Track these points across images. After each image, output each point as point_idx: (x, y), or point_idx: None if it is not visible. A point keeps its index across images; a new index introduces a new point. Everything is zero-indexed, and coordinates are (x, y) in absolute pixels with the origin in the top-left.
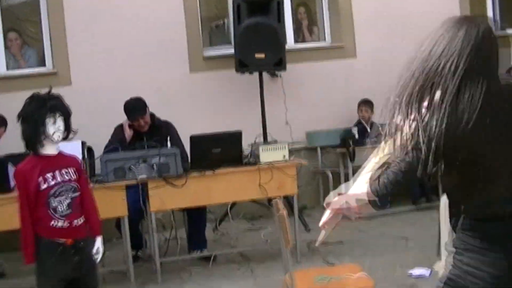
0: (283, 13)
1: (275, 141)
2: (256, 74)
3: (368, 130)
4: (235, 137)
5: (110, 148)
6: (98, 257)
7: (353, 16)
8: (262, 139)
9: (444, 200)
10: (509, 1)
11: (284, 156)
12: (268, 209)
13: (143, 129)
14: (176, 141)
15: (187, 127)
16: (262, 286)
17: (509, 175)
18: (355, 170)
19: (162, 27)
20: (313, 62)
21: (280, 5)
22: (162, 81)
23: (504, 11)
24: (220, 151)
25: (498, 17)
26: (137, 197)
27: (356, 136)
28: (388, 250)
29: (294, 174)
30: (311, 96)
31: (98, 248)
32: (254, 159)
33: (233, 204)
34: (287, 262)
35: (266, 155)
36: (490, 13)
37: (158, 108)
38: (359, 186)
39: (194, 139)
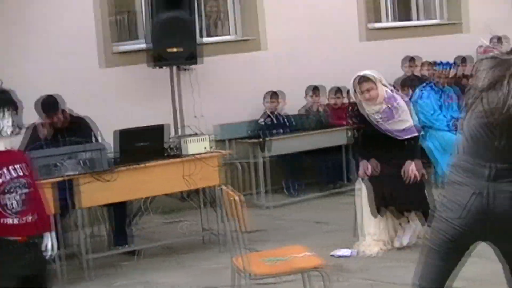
0: (196, 8)
1: (196, 134)
2: (167, 68)
3: (275, 121)
4: (158, 131)
5: (34, 145)
6: (51, 253)
7: (261, 9)
8: (184, 132)
9: (360, 184)
10: None
11: (205, 147)
12: (182, 201)
13: (57, 125)
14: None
15: (102, 123)
16: (193, 275)
17: None
18: (270, 161)
19: (72, 23)
20: (223, 55)
21: (192, 0)
22: (73, 77)
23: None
24: (144, 144)
25: (390, 10)
26: (63, 195)
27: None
28: (307, 235)
29: (216, 164)
30: (221, 89)
31: (49, 244)
32: (177, 152)
33: (148, 198)
34: (241, 245)
35: (189, 147)
36: (383, 6)
37: (72, 104)
38: None
39: (120, 134)
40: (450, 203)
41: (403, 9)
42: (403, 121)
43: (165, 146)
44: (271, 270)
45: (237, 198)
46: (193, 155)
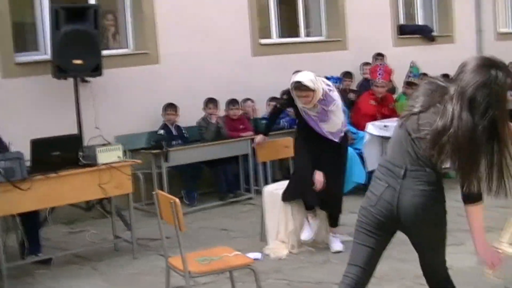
0: (100, 20)
1: (109, 143)
2: (70, 80)
3: (174, 132)
4: (74, 140)
5: None
6: None
7: (154, 23)
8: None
9: (269, 189)
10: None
11: (119, 156)
12: (87, 211)
13: None
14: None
15: (7, 133)
16: (112, 281)
17: None
18: (169, 171)
19: None
20: (121, 68)
21: (97, 13)
22: None
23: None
24: (59, 153)
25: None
26: None
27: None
28: (214, 241)
29: (129, 173)
30: (120, 101)
31: None
32: (90, 161)
33: (52, 209)
34: (180, 246)
35: (103, 156)
36: (273, 23)
37: None
38: None
39: (35, 143)
40: (370, 194)
41: (290, 27)
42: (334, 124)
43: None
44: (208, 268)
45: (177, 200)
46: (107, 164)
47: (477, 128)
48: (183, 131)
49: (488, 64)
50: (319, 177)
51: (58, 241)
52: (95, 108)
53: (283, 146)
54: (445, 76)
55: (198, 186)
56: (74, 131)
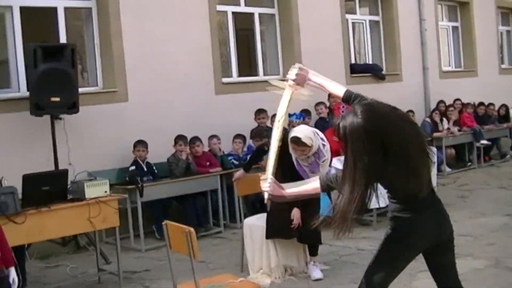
0: (76, 59)
1: (95, 178)
2: (45, 117)
3: (144, 168)
4: (61, 175)
5: None
6: (15, 286)
7: (122, 62)
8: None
9: (248, 222)
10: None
11: (106, 191)
12: (62, 245)
13: None
14: None
15: None
16: None
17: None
18: (143, 205)
19: None
20: (91, 105)
21: (73, 52)
22: None
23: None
24: (49, 188)
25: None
26: None
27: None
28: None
29: (116, 207)
30: (91, 137)
31: (14, 278)
32: (78, 195)
33: (29, 245)
34: (194, 272)
35: (91, 191)
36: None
37: None
38: None
39: (26, 178)
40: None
41: (250, 66)
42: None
43: None
44: None
45: (192, 229)
46: (95, 198)
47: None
48: (153, 167)
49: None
50: (297, 214)
51: (37, 275)
52: (68, 144)
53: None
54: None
55: (169, 220)
56: (48, 167)
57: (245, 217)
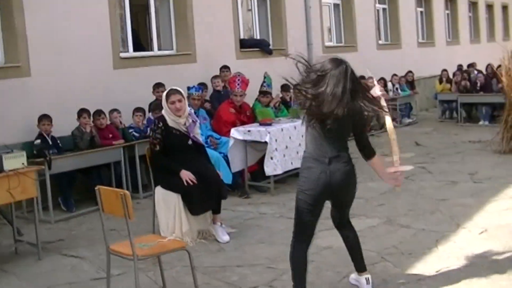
0: None
1: (12, 150)
2: None
3: (50, 142)
4: None
5: None
6: None
7: (27, 36)
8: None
9: (160, 190)
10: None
11: (23, 163)
12: None
13: None
14: None
15: None
16: (27, 279)
17: None
18: (51, 178)
19: None
20: None
21: None
22: None
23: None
24: None
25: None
26: None
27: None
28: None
29: (34, 178)
30: None
31: None
32: None
33: None
34: (129, 233)
35: (9, 163)
36: (129, 37)
37: None
38: None
39: None
40: (307, 181)
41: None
42: (197, 133)
43: None
44: (151, 252)
45: (127, 192)
46: (14, 170)
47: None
48: (57, 141)
49: (336, 60)
50: (186, 175)
51: None
52: None
53: None
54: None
55: (74, 193)
56: None
57: (144, 187)
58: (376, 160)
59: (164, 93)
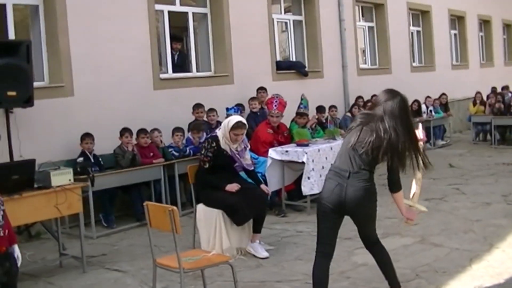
0: (31, 55)
1: (59, 167)
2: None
3: (92, 160)
4: (29, 165)
5: None
6: (19, 262)
7: (69, 58)
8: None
9: (201, 207)
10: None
11: (70, 179)
12: (18, 234)
13: None
14: None
15: None
16: None
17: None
18: (93, 195)
19: None
20: (39, 100)
21: (29, 48)
22: None
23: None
24: (18, 177)
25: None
26: None
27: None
28: (149, 255)
29: (80, 194)
30: (39, 131)
31: (18, 254)
32: (43, 183)
33: None
34: (176, 246)
35: (56, 179)
36: (169, 59)
37: None
38: None
39: None
40: (324, 190)
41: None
42: (247, 158)
43: None
44: (196, 265)
45: (175, 208)
46: (61, 186)
47: (403, 136)
48: (99, 159)
49: (392, 92)
50: (230, 187)
51: None
52: (19, 137)
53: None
54: (321, 107)
55: (114, 209)
56: (2, 158)
57: (182, 205)
58: (399, 195)
59: (231, 121)
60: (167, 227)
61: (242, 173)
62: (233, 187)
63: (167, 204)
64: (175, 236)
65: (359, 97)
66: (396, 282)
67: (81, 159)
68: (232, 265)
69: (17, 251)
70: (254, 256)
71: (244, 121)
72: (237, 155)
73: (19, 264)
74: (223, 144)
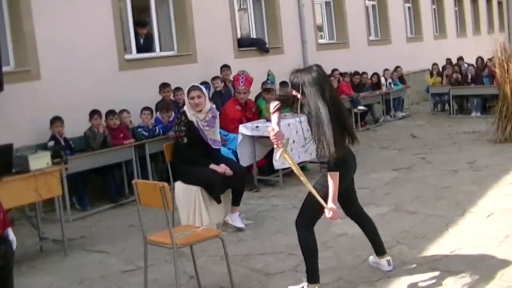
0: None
1: (36, 151)
2: None
3: (62, 143)
4: (7, 149)
5: None
6: (14, 245)
7: (34, 41)
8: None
9: (179, 185)
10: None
11: (48, 163)
12: None
13: None
14: None
15: None
16: (57, 273)
17: None
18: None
19: None
20: (5, 85)
21: None
22: None
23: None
24: None
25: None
26: None
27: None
28: (131, 235)
29: (59, 177)
30: (7, 116)
31: (12, 238)
32: (21, 168)
33: None
34: (168, 222)
35: (35, 163)
36: (132, 39)
37: None
38: None
39: None
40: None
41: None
42: (216, 132)
43: None
44: (188, 240)
45: (166, 184)
46: (40, 170)
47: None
48: (70, 142)
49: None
50: (222, 168)
51: None
52: None
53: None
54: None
55: (87, 192)
56: None
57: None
58: (333, 176)
59: (186, 89)
60: (157, 203)
61: (223, 148)
62: (223, 168)
63: None
64: (167, 212)
65: None
66: (383, 249)
67: (51, 142)
68: (223, 239)
69: (11, 234)
70: (234, 231)
71: (199, 85)
72: (206, 127)
73: (14, 247)
74: (190, 116)
